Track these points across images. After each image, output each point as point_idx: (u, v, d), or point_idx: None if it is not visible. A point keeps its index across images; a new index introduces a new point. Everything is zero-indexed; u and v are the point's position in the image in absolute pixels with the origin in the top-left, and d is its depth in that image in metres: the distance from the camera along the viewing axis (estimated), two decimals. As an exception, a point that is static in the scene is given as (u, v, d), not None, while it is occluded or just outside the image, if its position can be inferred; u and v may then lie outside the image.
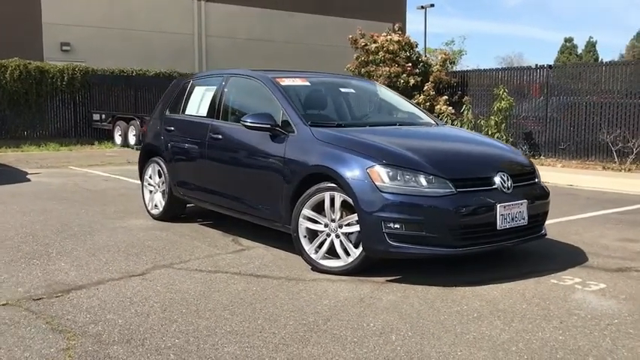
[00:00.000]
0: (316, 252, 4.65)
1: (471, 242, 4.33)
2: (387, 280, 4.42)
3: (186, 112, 6.43)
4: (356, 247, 4.49)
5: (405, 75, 15.76)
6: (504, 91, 13.98)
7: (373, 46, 16.19)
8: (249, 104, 5.81)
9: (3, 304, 3.81)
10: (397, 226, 4.21)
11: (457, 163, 4.64)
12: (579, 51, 60.39)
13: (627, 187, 9.73)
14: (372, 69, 16.22)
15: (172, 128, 6.44)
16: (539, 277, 4.55)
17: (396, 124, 5.57)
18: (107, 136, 18.60)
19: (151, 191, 6.86)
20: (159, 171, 6.66)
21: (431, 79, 15.77)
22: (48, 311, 3.70)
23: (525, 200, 4.56)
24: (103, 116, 18.82)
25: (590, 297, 4.09)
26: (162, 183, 6.59)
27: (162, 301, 3.91)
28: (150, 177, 6.83)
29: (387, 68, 15.72)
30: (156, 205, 6.76)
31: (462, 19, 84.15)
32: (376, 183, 4.27)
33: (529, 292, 4.18)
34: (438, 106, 15.03)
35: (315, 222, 4.65)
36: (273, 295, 4.07)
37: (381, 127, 5.40)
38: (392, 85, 15.07)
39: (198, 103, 6.32)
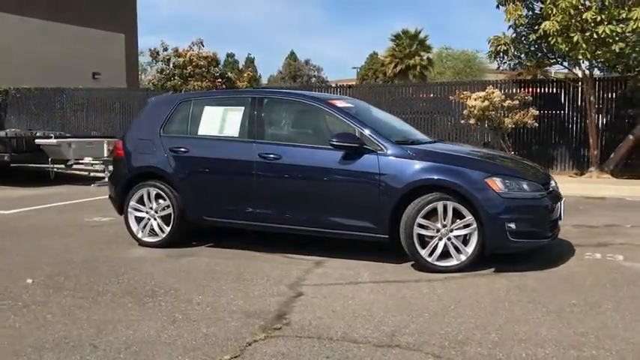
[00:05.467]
0: (429, 255, 5.30)
1: (553, 233, 5.52)
2: (494, 271, 5.32)
3: (201, 133, 6.27)
4: (466, 246, 5.29)
5: (215, 90, 16.10)
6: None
7: (180, 60, 16.16)
8: (308, 125, 6.07)
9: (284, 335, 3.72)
10: (514, 225, 5.16)
11: (534, 172, 5.78)
12: (240, 66, 65.46)
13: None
14: (178, 83, 16.18)
15: (184, 149, 6.21)
16: (572, 256, 5.90)
17: (434, 142, 6.43)
18: None
19: (139, 218, 6.44)
20: (157, 195, 6.33)
21: (239, 94, 16.42)
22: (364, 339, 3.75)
23: (563, 198, 5.93)
24: None
25: (632, 264, 5.61)
26: (166, 207, 6.29)
27: (417, 311, 4.21)
28: (139, 203, 6.41)
29: (199, 83, 15.89)
30: (152, 232, 6.39)
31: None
32: (496, 191, 5.16)
33: (592, 267, 5.51)
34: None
35: (426, 228, 5.30)
36: (460, 294, 4.66)
37: (437, 144, 6.23)
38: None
39: (220, 123, 6.23)
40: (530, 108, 13.36)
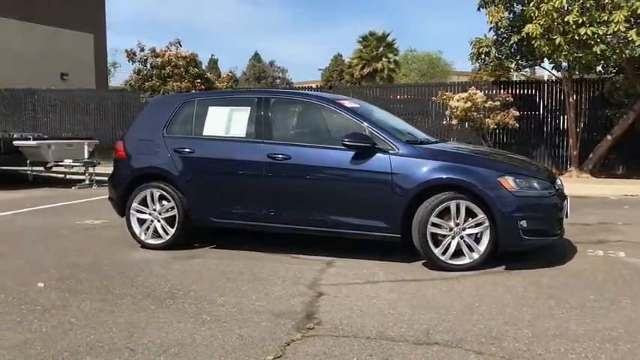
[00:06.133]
0: (443, 254, 5.35)
1: (560, 231, 5.62)
2: (505, 269, 5.39)
3: (206, 134, 6.21)
4: (478, 245, 5.35)
5: (194, 91, 15.95)
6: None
7: (159, 60, 15.96)
8: (316, 125, 6.05)
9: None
10: (526, 222, 5.24)
11: (542, 170, 5.88)
12: (204, 67, 64.55)
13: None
14: (157, 83, 15.98)
15: (189, 150, 6.15)
16: (576, 254, 6.01)
17: (438, 142, 6.49)
18: None
19: (142, 220, 6.35)
20: (160, 196, 6.26)
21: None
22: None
23: (568, 197, 6.03)
24: None
25: (635, 260, 5.76)
26: (170, 209, 6.21)
27: (443, 308, 4.23)
28: (142, 204, 6.33)
29: (178, 83, 15.72)
30: (156, 234, 6.30)
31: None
32: (509, 189, 5.24)
33: (598, 263, 5.63)
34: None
35: (440, 227, 5.35)
36: (479, 292, 4.71)
37: (441, 143, 6.29)
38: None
39: (225, 124, 6.19)
40: (511, 109, 13.58)
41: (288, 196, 5.80)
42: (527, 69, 13.83)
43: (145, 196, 6.29)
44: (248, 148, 5.94)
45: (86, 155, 13.04)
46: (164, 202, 6.24)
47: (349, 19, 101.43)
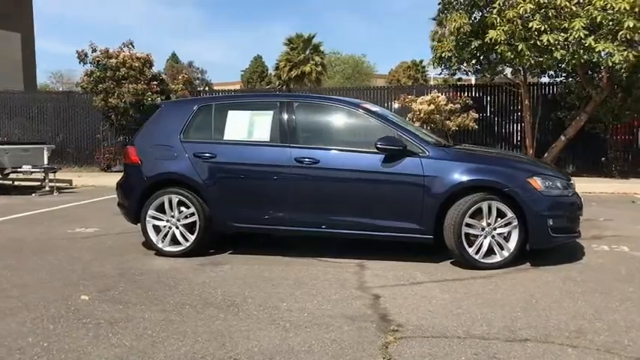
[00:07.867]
0: (476, 253, 5.55)
1: (579, 228, 5.94)
2: (531, 265, 5.66)
3: (227, 138, 6.15)
4: (507, 243, 5.59)
5: (150, 93, 15.60)
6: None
7: (113, 61, 15.47)
8: (343, 129, 6.08)
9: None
10: (553, 221, 5.52)
11: (560, 171, 6.17)
12: None
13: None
14: (111, 85, 15.49)
15: (210, 155, 6.07)
16: (583, 249, 6.37)
17: (456, 145, 6.68)
18: None
19: (159, 227, 6.21)
20: (179, 202, 6.15)
21: (175, 98, 16.01)
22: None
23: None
24: None
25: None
26: (190, 215, 6.11)
27: (506, 306, 4.39)
28: (158, 211, 6.20)
29: (134, 85, 15.30)
30: (175, 241, 6.18)
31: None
32: (538, 189, 5.50)
33: (611, 258, 6.01)
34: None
35: (473, 227, 5.54)
36: (526, 288, 4.91)
37: (461, 146, 6.48)
38: (139, 103, 14.91)
39: (247, 128, 6.15)
40: (471, 111, 14.08)
41: (316, 199, 5.82)
42: (487, 73, 14.28)
43: (162, 203, 6.15)
44: (274, 152, 5.92)
45: (45, 161, 12.47)
46: (183, 209, 6.12)
47: (268, 20, 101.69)
